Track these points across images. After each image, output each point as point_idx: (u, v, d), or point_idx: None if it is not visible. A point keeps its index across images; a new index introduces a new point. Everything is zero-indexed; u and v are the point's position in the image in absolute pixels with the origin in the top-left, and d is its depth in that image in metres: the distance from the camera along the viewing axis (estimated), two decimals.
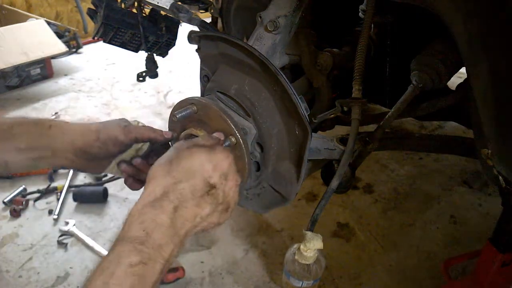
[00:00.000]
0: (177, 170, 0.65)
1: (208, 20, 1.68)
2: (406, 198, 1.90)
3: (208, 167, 0.66)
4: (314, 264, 1.24)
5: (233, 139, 0.77)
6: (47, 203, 1.84)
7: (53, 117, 2.49)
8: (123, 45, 1.83)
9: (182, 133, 0.85)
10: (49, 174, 1.94)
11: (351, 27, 1.29)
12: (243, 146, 0.78)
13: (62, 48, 2.84)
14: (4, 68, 2.58)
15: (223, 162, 0.68)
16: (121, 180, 1.95)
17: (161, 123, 2.47)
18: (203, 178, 0.65)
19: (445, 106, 1.09)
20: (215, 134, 0.77)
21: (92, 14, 1.76)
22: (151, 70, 1.90)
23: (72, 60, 3.33)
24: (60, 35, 3.08)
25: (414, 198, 1.90)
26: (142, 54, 1.89)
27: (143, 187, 0.67)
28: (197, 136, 0.83)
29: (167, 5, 1.35)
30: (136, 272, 0.56)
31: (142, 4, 1.69)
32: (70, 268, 1.53)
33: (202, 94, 0.97)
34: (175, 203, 0.62)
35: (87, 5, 2.01)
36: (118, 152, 0.86)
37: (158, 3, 1.40)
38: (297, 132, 0.79)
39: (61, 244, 1.62)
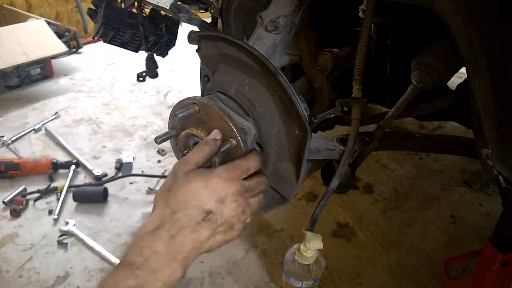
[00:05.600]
0: (173, 200, 0.69)
1: (208, 20, 1.68)
2: (406, 198, 1.90)
3: (203, 194, 0.68)
4: (314, 264, 1.24)
5: (233, 142, 0.78)
6: (47, 203, 1.84)
7: (53, 117, 2.50)
8: (123, 45, 1.83)
9: (182, 133, 0.85)
10: (49, 174, 1.94)
11: (351, 27, 1.28)
12: (243, 148, 0.78)
13: (62, 48, 2.84)
14: (4, 68, 2.58)
15: (218, 186, 0.69)
16: (121, 180, 1.97)
17: (161, 123, 2.47)
18: (198, 206, 0.68)
19: (445, 106, 1.09)
20: (212, 134, 0.77)
21: (92, 14, 1.76)
22: (151, 70, 1.89)
23: (72, 60, 3.33)
24: (60, 35, 3.08)
25: (414, 198, 1.90)
26: (142, 54, 1.89)
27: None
28: (197, 136, 0.83)
29: (167, 5, 1.35)
30: None
31: (142, 4, 1.68)
32: (70, 268, 1.53)
33: (202, 94, 0.97)
34: (171, 232, 0.66)
35: (87, 5, 2.01)
36: None
37: (158, 3, 1.39)
38: (296, 132, 0.79)
39: (61, 244, 1.62)
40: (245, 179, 0.75)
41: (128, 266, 0.64)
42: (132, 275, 0.62)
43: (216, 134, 0.76)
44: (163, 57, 1.93)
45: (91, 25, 3.45)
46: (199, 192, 0.68)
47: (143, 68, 1.88)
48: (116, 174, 2.03)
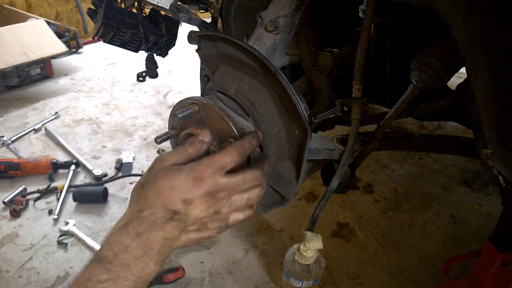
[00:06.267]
0: (143, 198, 0.69)
1: (208, 20, 1.68)
2: (406, 198, 1.90)
3: (169, 194, 0.67)
4: (314, 264, 1.24)
5: (233, 142, 0.77)
6: (47, 203, 1.84)
7: (53, 117, 2.50)
8: (123, 45, 1.83)
9: (182, 133, 0.85)
10: (49, 174, 1.94)
11: (351, 27, 1.28)
12: None
13: (62, 48, 2.84)
14: (4, 68, 2.58)
15: (185, 186, 0.67)
16: (121, 180, 1.97)
17: (161, 123, 2.47)
18: (164, 206, 0.67)
19: (445, 106, 1.09)
20: (201, 135, 0.73)
21: (92, 14, 1.76)
22: (151, 70, 1.89)
23: (72, 60, 3.34)
24: (60, 35, 3.08)
25: (414, 198, 1.90)
26: (142, 54, 1.89)
27: None
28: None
29: (167, 5, 1.35)
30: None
31: (142, 4, 1.68)
32: (70, 268, 1.53)
33: (202, 94, 0.97)
34: (138, 230, 0.67)
35: (87, 5, 2.01)
36: None
37: (158, 3, 1.40)
38: (296, 132, 0.79)
39: (61, 244, 1.62)
40: (229, 173, 0.69)
41: (99, 261, 0.65)
42: (104, 269, 0.64)
43: (205, 135, 0.73)
44: (163, 57, 1.93)
45: (91, 25, 3.45)
46: (165, 192, 0.67)
47: (143, 68, 1.89)
48: (116, 174, 2.03)
